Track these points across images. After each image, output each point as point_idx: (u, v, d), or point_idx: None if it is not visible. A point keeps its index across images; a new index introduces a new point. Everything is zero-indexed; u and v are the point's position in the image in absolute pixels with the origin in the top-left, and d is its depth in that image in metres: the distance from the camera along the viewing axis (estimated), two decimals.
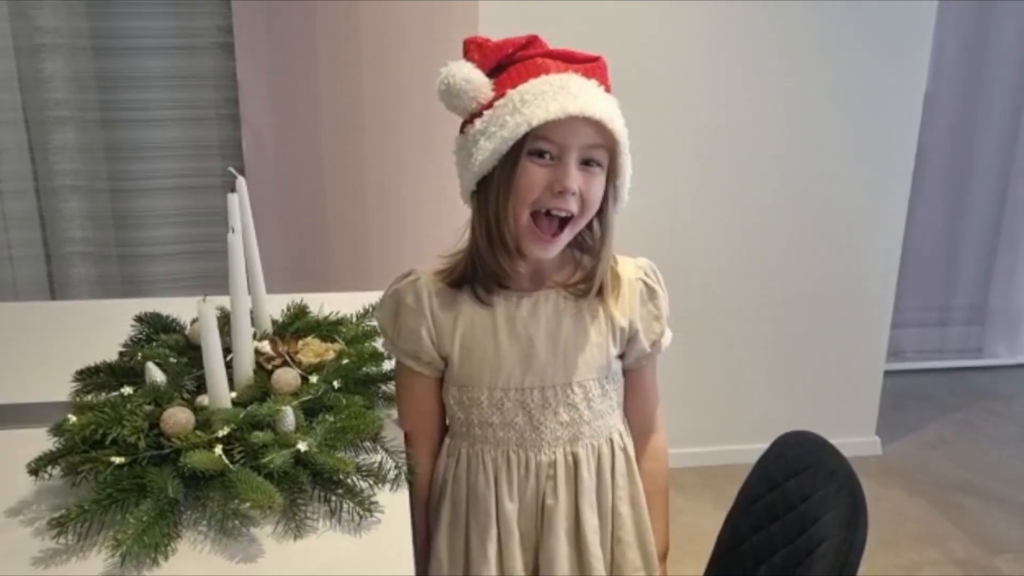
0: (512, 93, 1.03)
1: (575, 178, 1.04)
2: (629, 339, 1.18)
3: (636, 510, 1.22)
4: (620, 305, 1.16)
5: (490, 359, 1.13)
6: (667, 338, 1.22)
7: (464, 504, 1.18)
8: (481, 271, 1.12)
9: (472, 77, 1.05)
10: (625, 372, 1.23)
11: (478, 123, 1.06)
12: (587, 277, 1.14)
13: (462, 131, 1.10)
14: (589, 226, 1.11)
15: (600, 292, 1.14)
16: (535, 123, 1.00)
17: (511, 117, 1.02)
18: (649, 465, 1.27)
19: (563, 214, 1.06)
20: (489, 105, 1.05)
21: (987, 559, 2.38)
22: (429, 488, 1.23)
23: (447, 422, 1.23)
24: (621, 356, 1.20)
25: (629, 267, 1.18)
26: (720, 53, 2.48)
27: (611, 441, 1.19)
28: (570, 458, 1.16)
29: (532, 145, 1.03)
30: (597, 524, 1.18)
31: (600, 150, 1.05)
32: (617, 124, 1.04)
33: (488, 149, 1.04)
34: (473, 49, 1.08)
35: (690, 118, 2.51)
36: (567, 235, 1.08)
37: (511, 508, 1.15)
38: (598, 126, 1.02)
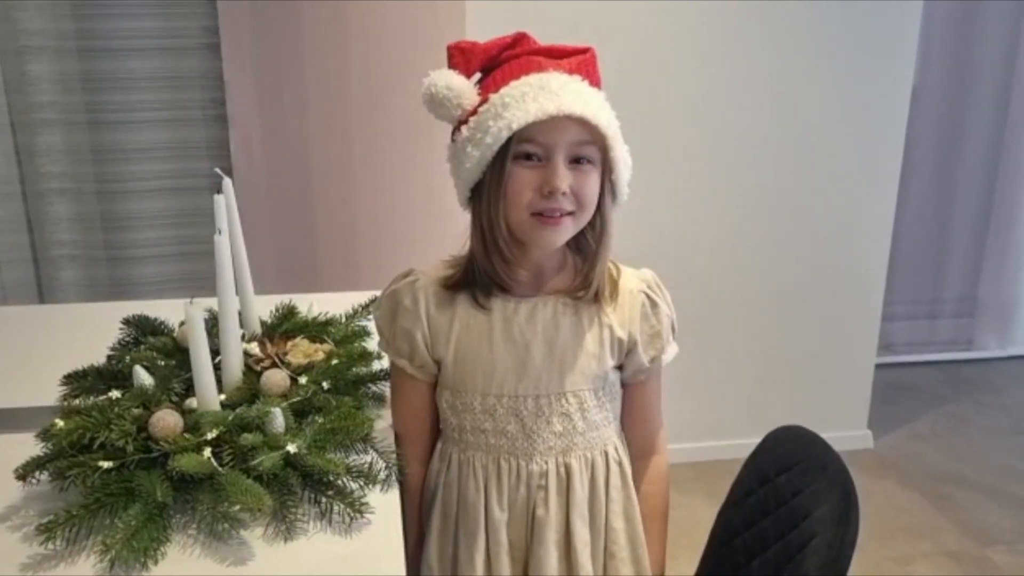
0: (494, 98, 1.02)
1: (563, 177, 1.02)
2: (628, 352, 1.16)
3: (631, 526, 1.20)
4: (619, 316, 1.14)
5: (484, 364, 1.12)
6: (669, 355, 1.19)
7: (454, 510, 1.17)
8: (480, 276, 1.11)
9: (454, 84, 1.04)
10: (624, 386, 1.20)
11: (465, 130, 1.05)
12: (585, 276, 1.12)
13: (452, 138, 1.09)
14: (589, 225, 1.09)
15: (597, 298, 1.12)
16: (516, 127, 0.99)
17: (494, 122, 1.01)
18: (648, 488, 1.24)
19: (556, 214, 1.04)
20: (475, 111, 1.04)
21: (979, 551, 2.38)
22: (421, 492, 1.22)
23: (440, 426, 1.22)
24: (620, 368, 1.18)
25: (631, 278, 1.17)
26: (709, 49, 2.48)
27: (605, 454, 1.17)
28: (562, 469, 1.14)
29: (518, 148, 1.02)
30: (588, 538, 1.16)
31: (589, 147, 1.04)
32: (602, 119, 1.02)
33: (475, 157, 1.04)
34: (457, 55, 1.07)
35: (679, 113, 2.51)
36: (570, 225, 1.06)
37: (500, 516, 1.14)
38: (583, 122, 1.01)
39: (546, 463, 1.14)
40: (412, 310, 1.12)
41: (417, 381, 1.17)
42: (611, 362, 1.15)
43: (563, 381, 1.13)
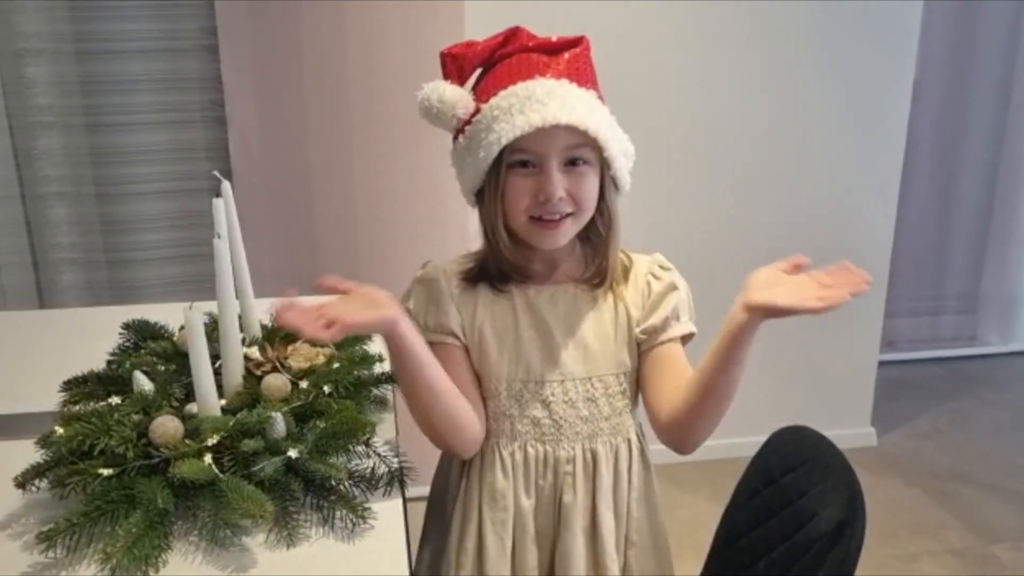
0: (485, 109, 1.05)
1: (558, 184, 1.04)
2: (648, 334, 1.15)
3: (651, 513, 1.21)
4: (633, 297, 1.16)
5: (510, 350, 1.13)
6: (684, 326, 1.16)
7: (478, 499, 1.16)
8: (495, 268, 1.13)
9: (446, 97, 1.06)
10: (649, 362, 1.16)
11: (462, 139, 1.09)
12: (598, 267, 1.14)
13: (454, 144, 1.12)
14: (598, 213, 1.11)
15: (612, 285, 1.15)
16: (504, 141, 1.01)
17: (486, 135, 1.04)
18: None
19: (556, 217, 1.06)
20: (470, 120, 1.07)
21: (984, 548, 2.38)
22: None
23: None
24: (640, 353, 1.17)
25: (642, 263, 1.19)
26: (709, 48, 2.47)
27: (628, 441, 1.18)
28: (589, 455, 1.15)
29: (511, 158, 1.05)
30: (613, 524, 1.17)
31: (582, 148, 1.05)
32: (590, 123, 1.02)
33: (473, 167, 1.07)
34: (449, 62, 1.09)
35: (679, 113, 2.50)
36: (571, 225, 1.08)
37: (527, 504, 1.15)
38: (573, 127, 1.02)
39: (573, 449, 1.14)
40: (445, 286, 1.14)
41: (460, 348, 1.14)
42: (631, 347, 1.16)
43: (588, 366, 1.14)
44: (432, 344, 1.15)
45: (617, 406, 1.16)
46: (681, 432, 1.12)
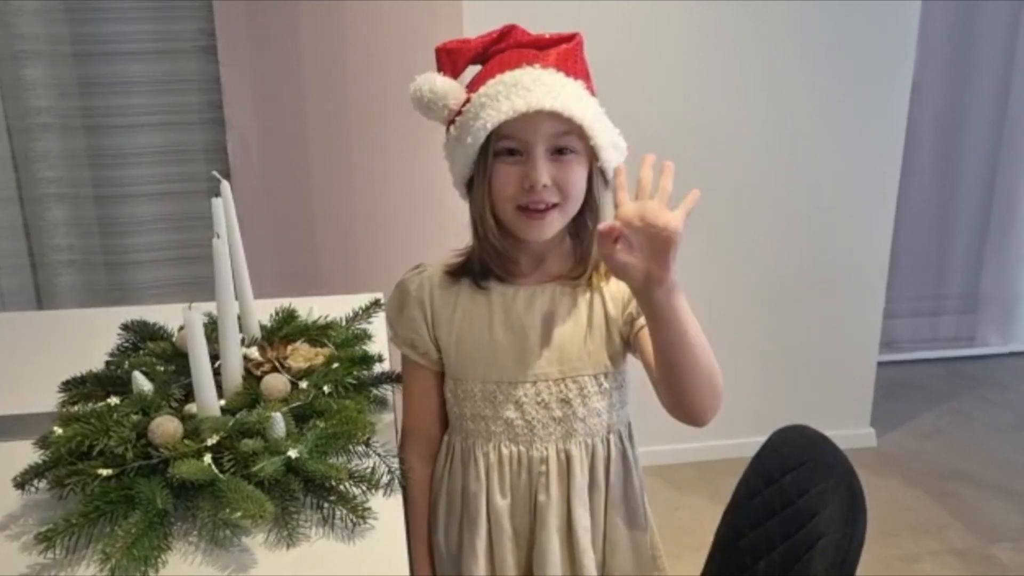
0: (474, 98, 1.06)
1: (543, 172, 1.04)
2: (629, 322, 1.15)
3: (631, 513, 1.21)
4: (614, 297, 1.16)
5: (484, 351, 1.14)
6: None
7: (458, 499, 1.18)
8: (479, 263, 1.14)
9: (437, 87, 1.08)
10: (638, 346, 1.15)
11: (453, 129, 1.10)
12: (581, 258, 1.14)
13: (446, 136, 1.13)
14: (587, 206, 1.11)
15: (591, 281, 1.14)
16: (490, 127, 1.02)
17: (473, 122, 1.04)
18: None
19: (541, 206, 1.06)
20: (461, 110, 1.08)
21: (985, 548, 2.38)
22: (430, 491, 1.22)
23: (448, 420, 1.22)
24: (629, 348, 1.16)
25: None
26: (709, 47, 2.47)
27: (607, 441, 1.17)
28: (563, 455, 1.15)
29: (498, 145, 1.05)
30: (589, 523, 1.17)
31: (569, 137, 1.05)
32: (575, 110, 1.03)
33: (462, 155, 1.08)
34: (443, 56, 1.10)
35: (679, 112, 2.50)
36: (557, 216, 1.08)
37: (502, 504, 1.15)
38: (559, 115, 1.02)
39: (546, 449, 1.15)
40: (417, 296, 1.16)
41: (424, 371, 1.19)
42: (613, 347, 1.15)
43: (563, 367, 1.14)
44: (403, 356, 1.20)
45: (593, 407, 1.15)
46: (678, 403, 1.07)
